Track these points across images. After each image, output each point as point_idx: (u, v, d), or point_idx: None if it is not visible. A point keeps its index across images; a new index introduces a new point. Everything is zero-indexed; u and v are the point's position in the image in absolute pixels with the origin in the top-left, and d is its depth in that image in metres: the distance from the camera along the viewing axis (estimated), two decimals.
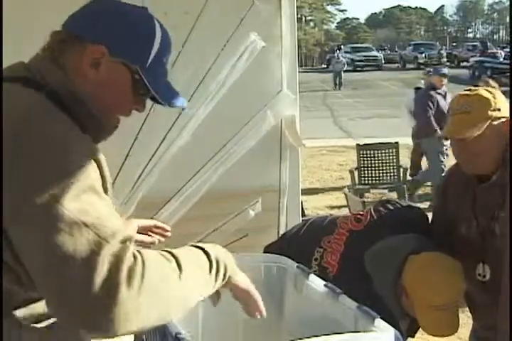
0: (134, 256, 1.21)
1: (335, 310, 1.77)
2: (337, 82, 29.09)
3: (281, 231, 3.48)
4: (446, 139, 2.65)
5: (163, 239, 2.13)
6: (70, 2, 1.61)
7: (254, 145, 3.20)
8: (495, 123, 2.17)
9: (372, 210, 2.44)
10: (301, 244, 2.51)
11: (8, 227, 1.21)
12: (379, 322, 1.60)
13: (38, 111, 1.31)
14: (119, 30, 1.45)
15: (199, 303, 2.01)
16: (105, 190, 1.34)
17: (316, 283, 1.91)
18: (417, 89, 9.76)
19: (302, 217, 3.70)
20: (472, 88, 2.30)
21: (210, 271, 1.41)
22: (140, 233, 2.05)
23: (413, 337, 2.38)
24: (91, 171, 1.28)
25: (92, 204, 1.22)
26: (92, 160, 1.30)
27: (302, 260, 2.28)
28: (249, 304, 1.60)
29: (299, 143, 3.40)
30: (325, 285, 1.87)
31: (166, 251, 1.34)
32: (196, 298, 1.38)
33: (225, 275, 1.46)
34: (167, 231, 2.13)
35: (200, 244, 1.46)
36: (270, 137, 3.29)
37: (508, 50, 37.76)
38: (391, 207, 2.42)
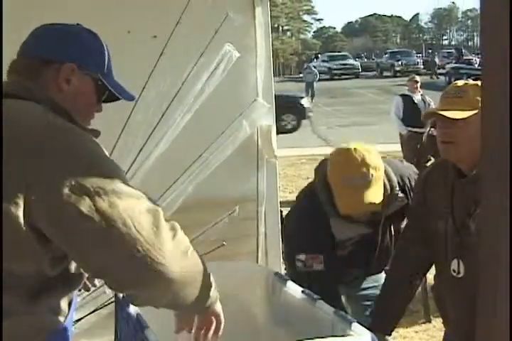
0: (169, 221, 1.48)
1: (312, 315, 1.79)
2: (309, 93, 27.26)
3: (261, 240, 3.50)
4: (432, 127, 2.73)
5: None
6: (69, 2, 1.67)
7: (232, 155, 3.22)
8: None
9: None
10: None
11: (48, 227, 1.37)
12: (356, 327, 1.62)
13: (59, 123, 1.48)
14: (79, 47, 1.66)
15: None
16: None
17: (294, 289, 1.93)
18: (403, 96, 9.79)
19: (281, 225, 3.72)
20: (470, 80, 2.35)
21: (209, 292, 1.58)
22: None
23: None
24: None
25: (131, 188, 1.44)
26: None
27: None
28: (216, 324, 1.72)
29: (271, 154, 3.42)
30: (302, 292, 1.89)
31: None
32: (190, 298, 1.54)
33: (212, 303, 1.63)
34: None
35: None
36: (247, 146, 3.31)
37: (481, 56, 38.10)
38: None
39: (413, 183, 2.68)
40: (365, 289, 2.76)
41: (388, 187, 2.51)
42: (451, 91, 2.28)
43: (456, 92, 2.25)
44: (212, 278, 1.61)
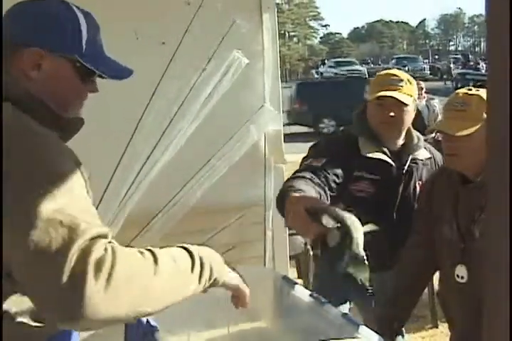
0: (106, 250, 1.23)
1: (320, 318, 1.81)
2: None
3: (268, 245, 3.51)
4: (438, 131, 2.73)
5: None
6: None
7: (239, 161, 3.23)
8: None
9: None
10: None
11: None
12: (363, 329, 1.63)
13: (15, 125, 1.35)
14: (47, 28, 1.51)
15: (185, 312, 2.05)
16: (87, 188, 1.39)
17: (301, 293, 1.94)
18: None
19: (288, 230, 3.73)
20: (472, 88, 2.32)
21: (193, 271, 1.40)
22: None
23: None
24: (71, 170, 1.33)
25: (68, 204, 1.26)
26: (72, 161, 1.36)
27: None
28: (238, 297, 1.67)
29: (281, 159, 3.44)
30: (310, 295, 1.90)
31: (146, 249, 1.34)
32: (176, 295, 1.37)
33: (210, 275, 1.46)
34: None
35: (185, 245, 1.45)
36: (254, 152, 3.33)
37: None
38: None
39: (438, 160, 2.77)
40: None
41: (415, 136, 2.74)
42: (454, 103, 2.27)
43: (459, 105, 2.24)
44: (197, 258, 1.42)
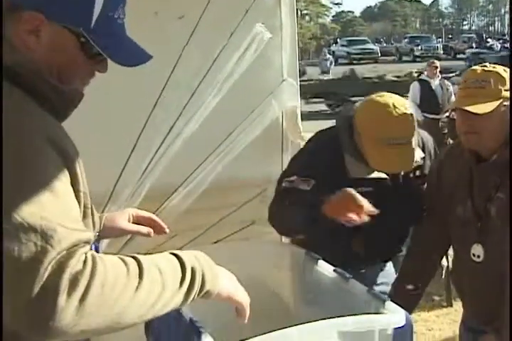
0: (85, 263, 1.14)
1: (345, 294, 1.80)
2: None
3: None
4: (453, 110, 2.66)
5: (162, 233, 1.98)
6: None
7: (258, 137, 3.22)
8: (506, 103, 2.15)
9: None
10: None
11: None
12: (389, 305, 1.62)
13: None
14: None
15: None
16: (74, 184, 1.31)
17: (325, 268, 1.94)
18: (421, 81, 9.70)
19: None
20: (487, 64, 2.27)
21: (181, 284, 1.29)
22: (135, 223, 1.92)
23: None
24: (48, 166, 1.23)
25: (43, 205, 1.15)
26: (53, 154, 1.25)
27: None
28: (236, 308, 1.52)
29: (297, 136, 3.42)
30: (334, 271, 1.89)
31: (132, 256, 1.25)
32: (160, 310, 1.26)
33: (202, 288, 1.35)
34: (163, 228, 1.96)
35: (178, 253, 1.35)
36: (273, 128, 3.31)
37: (503, 41, 37.77)
38: None
39: (431, 149, 2.65)
40: (376, 285, 2.63)
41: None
42: (472, 80, 2.22)
43: (477, 82, 2.19)
44: (178, 267, 1.31)
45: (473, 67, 2.30)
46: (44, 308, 1.09)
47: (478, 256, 2.25)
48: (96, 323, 1.14)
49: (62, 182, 1.24)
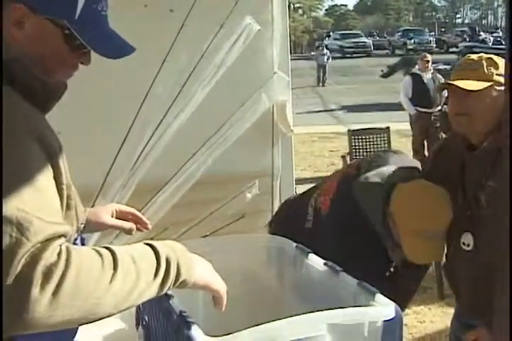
0: (59, 255, 1.14)
1: (335, 287, 1.80)
2: (321, 77, 25.82)
3: None
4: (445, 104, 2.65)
5: (144, 230, 1.99)
6: None
7: (248, 130, 3.21)
8: (497, 88, 2.16)
9: (364, 159, 2.55)
10: (299, 199, 2.62)
11: None
12: (379, 298, 1.62)
13: None
14: None
15: None
16: (57, 177, 1.31)
17: (316, 261, 1.93)
18: (413, 74, 9.70)
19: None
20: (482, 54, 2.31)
21: (156, 274, 1.29)
22: (119, 218, 1.93)
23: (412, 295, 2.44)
24: (30, 160, 1.23)
25: (22, 198, 1.15)
26: (36, 147, 1.26)
27: (300, 210, 2.44)
28: (213, 296, 1.52)
29: (287, 129, 3.41)
30: (324, 264, 1.89)
31: (107, 248, 1.24)
32: (135, 300, 1.26)
33: (177, 277, 1.34)
34: (146, 224, 1.98)
35: (153, 243, 1.34)
36: (263, 121, 3.31)
37: (496, 35, 37.83)
38: (382, 155, 2.46)
39: None
40: None
41: None
42: (465, 64, 2.27)
43: (469, 65, 2.24)
44: (154, 261, 1.30)
45: (468, 55, 2.35)
46: (18, 300, 1.09)
47: (468, 245, 2.24)
48: (70, 314, 1.14)
49: (45, 175, 1.25)
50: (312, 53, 33.86)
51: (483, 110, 2.16)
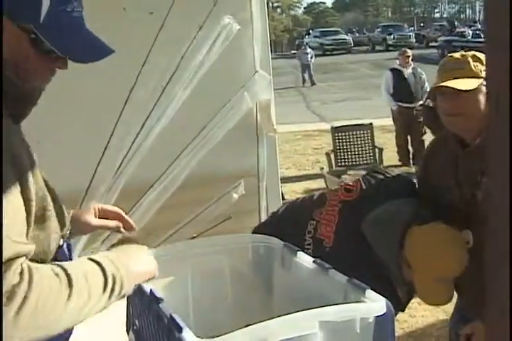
0: (21, 275, 1.15)
1: (325, 284, 1.79)
2: (305, 77, 25.15)
3: (263, 215, 3.50)
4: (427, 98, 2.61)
5: (125, 232, 1.93)
6: None
7: (231, 130, 3.20)
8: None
9: (361, 180, 2.44)
10: (292, 220, 2.48)
11: None
12: (370, 293, 1.62)
13: None
14: None
15: (188, 284, 2.04)
16: (25, 193, 1.29)
17: (305, 260, 1.92)
18: (393, 70, 9.73)
19: (282, 200, 3.71)
20: (463, 52, 2.28)
21: (105, 289, 1.32)
22: (102, 218, 1.89)
23: (404, 309, 2.41)
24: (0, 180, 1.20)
25: None
26: (6, 165, 1.23)
27: (294, 235, 2.30)
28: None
29: (270, 129, 3.41)
30: (314, 262, 1.88)
31: (61, 266, 1.26)
32: (88, 315, 1.30)
33: (121, 291, 1.37)
34: (131, 225, 1.93)
35: (100, 260, 1.36)
36: (246, 121, 3.30)
37: (475, 28, 38.03)
38: (380, 176, 2.42)
39: None
40: None
41: None
42: (450, 64, 2.23)
43: (455, 64, 2.20)
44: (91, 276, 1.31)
45: (450, 54, 2.31)
46: None
47: (468, 243, 2.24)
48: (32, 333, 1.16)
49: (12, 194, 1.24)
50: (293, 52, 33.69)
51: (476, 108, 2.13)
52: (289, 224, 2.43)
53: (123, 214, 1.92)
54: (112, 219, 1.89)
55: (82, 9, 1.42)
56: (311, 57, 25.05)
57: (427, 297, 2.20)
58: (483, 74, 2.15)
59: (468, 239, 2.23)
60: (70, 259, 1.61)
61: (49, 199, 1.43)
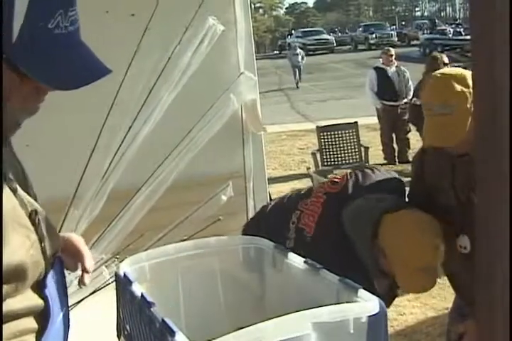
0: None
1: (317, 285, 1.79)
2: (298, 79, 24.27)
3: (250, 216, 3.50)
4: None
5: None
6: None
7: (218, 132, 3.20)
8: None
9: (348, 174, 2.43)
10: (278, 212, 2.48)
11: None
12: (362, 293, 1.61)
13: None
14: None
15: (179, 287, 2.03)
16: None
17: (295, 260, 1.92)
18: (377, 69, 9.76)
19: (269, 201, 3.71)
20: (440, 76, 2.10)
21: None
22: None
23: (392, 301, 2.41)
24: None
25: None
26: None
27: (280, 226, 2.33)
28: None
29: (259, 128, 3.41)
30: (305, 262, 1.87)
31: None
32: None
33: None
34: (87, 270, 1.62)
35: None
36: (233, 122, 3.30)
37: (455, 26, 38.24)
38: (368, 171, 2.41)
39: None
40: None
41: None
42: (435, 107, 2.04)
43: (441, 108, 2.03)
44: None
45: (434, 79, 2.12)
46: None
47: (465, 248, 2.21)
48: None
49: None
50: (275, 52, 33.59)
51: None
52: (277, 216, 2.45)
53: (84, 252, 1.63)
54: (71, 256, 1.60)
55: (73, 23, 1.20)
56: (302, 58, 24.39)
57: (407, 286, 2.20)
58: (471, 105, 1.96)
59: (466, 244, 2.21)
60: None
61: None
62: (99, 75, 1.23)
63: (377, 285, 2.24)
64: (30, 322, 1.25)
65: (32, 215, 1.26)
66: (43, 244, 1.27)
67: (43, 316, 1.27)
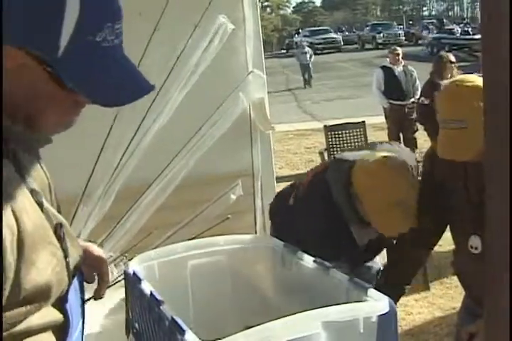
0: None
1: (326, 284, 1.79)
2: (306, 78, 23.73)
3: (258, 215, 3.50)
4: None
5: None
6: None
7: (227, 130, 3.20)
8: None
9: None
10: (285, 192, 2.68)
11: None
12: (372, 292, 1.61)
13: None
14: (7, 12, 1.00)
15: (188, 285, 2.03)
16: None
17: (305, 259, 1.92)
18: (384, 68, 9.74)
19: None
20: (456, 89, 2.04)
21: None
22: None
23: (398, 298, 2.42)
24: None
25: None
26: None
27: (288, 192, 2.57)
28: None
29: (267, 127, 3.40)
30: (314, 261, 1.88)
31: None
32: None
33: None
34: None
35: None
36: (242, 121, 3.30)
37: (463, 26, 38.17)
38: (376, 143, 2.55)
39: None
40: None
41: None
42: (450, 121, 2.02)
43: (456, 122, 1.99)
44: None
45: (450, 93, 2.07)
46: None
47: (476, 248, 2.19)
48: None
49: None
50: (282, 51, 33.45)
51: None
52: (281, 197, 2.70)
53: (104, 264, 1.55)
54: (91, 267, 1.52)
55: (118, 36, 1.12)
56: (310, 57, 23.72)
57: (382, 224, 2.23)
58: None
59: (477, 245, 2.19)
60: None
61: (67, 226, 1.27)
62: (144, 92, 1.16)
63: (355, 235, 2.37)
64: (49, 337, 1.22)
65: (57, 230, 1.21)
66: (67, 259, 1.23)
67: (62, 330, 1.25)
